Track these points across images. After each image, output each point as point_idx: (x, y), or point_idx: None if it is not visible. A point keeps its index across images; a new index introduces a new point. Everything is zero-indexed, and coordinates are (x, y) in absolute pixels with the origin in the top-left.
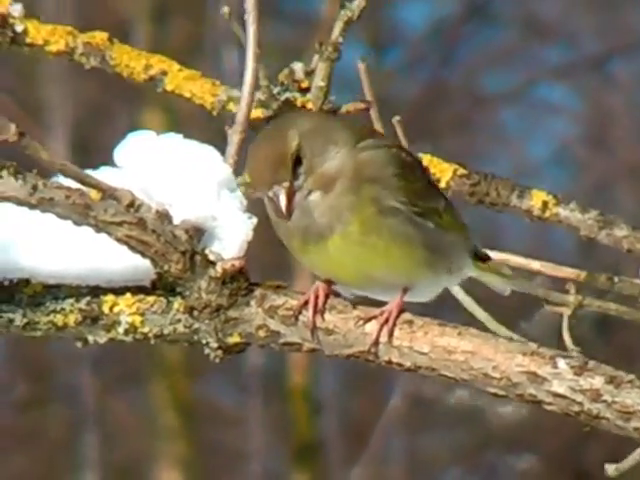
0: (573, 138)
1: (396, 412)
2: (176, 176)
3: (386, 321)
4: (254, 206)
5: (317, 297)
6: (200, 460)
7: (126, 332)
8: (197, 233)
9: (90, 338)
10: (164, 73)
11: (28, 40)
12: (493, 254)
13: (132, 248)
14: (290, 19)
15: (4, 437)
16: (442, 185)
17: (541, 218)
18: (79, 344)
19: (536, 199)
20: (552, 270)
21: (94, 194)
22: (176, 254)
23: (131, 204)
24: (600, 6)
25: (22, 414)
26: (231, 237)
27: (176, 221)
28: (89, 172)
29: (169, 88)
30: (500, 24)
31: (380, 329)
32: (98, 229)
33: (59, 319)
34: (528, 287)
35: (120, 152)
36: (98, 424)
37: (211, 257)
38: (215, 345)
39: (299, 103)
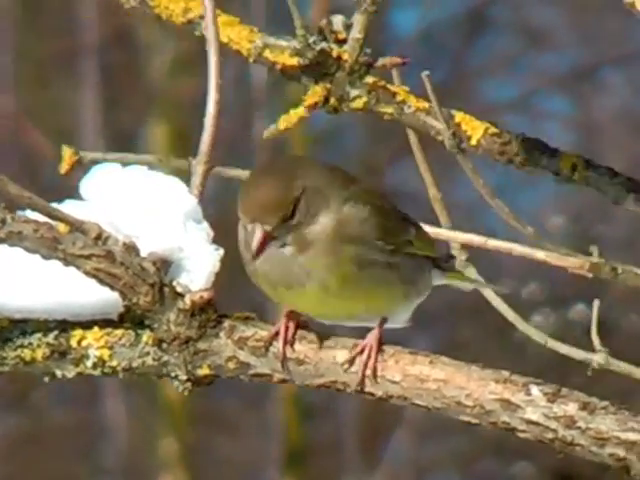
0: (567, 144)
1: (394, 419)
2: (142, 208)
3: (369, 358)
4: (221, 237)
5: (287, 328)
6: (194, 466)
7: (94, 366)
8: (164, 265)
9: (58, 372)
10: (202, 17)
11: None
12: (499, 243)
13: (101, 281)
14: (279, 24)
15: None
16: (473, 143)
17: (570, 180)
18: (46, 379)
19: (566, 161)
20: (557, 260)
21: (62, 227)
22: (145, 286)
23: (98, 237)
24: (593, 15)
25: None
26: (198, 269)
27: (143, 253)
28: (55, 205)
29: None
30: (496, 32)
31: (364, 368)
32: (66, 262)
33: (27, 354)
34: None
35: (86, 185)
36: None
37: (179, 289)
38: (184, 377)
39: (335, 54)
